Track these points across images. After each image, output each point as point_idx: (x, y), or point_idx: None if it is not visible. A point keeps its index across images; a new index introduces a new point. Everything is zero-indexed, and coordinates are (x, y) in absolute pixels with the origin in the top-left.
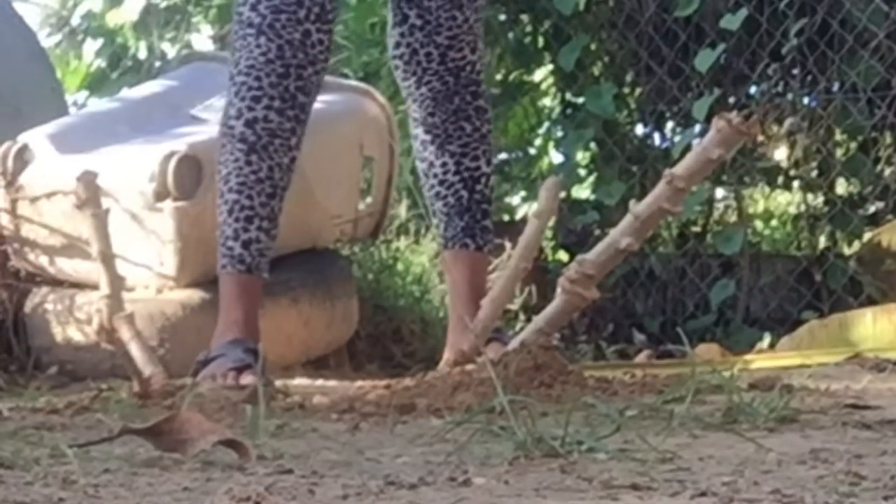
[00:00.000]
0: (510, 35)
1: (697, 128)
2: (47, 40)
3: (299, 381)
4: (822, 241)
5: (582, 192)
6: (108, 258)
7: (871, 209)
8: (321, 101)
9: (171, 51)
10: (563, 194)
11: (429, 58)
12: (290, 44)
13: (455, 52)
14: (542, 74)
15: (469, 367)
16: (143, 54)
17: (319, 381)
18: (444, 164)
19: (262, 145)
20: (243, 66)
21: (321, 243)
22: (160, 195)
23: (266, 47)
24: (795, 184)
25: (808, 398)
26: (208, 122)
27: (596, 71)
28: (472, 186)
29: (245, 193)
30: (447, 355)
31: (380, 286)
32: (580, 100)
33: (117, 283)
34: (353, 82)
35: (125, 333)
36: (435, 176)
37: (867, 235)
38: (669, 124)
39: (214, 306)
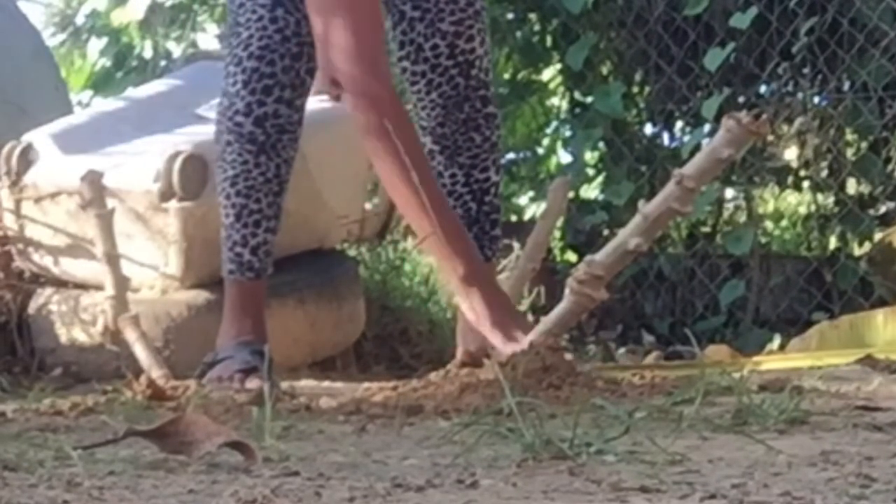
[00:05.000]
0: (518, 34)
1: (707, 127)
2: (52, 39)
3: (305, 383)
4: (833, 242)
5: (590, 192)
6: (112, 259)
7: (882, 209)
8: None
9: (176, 50)
10: (571, 194)
11: (435, 51)
12: (308, 18)
13: (464, 43)
14: (550, 73)
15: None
16: (148, 53)
17: (326, 383)
18: (452, 176)
19: (270, 144)
20: (255, 48)
21: (328, 244)
22: (165, 195)
23: (284, 21)
24: (805, 184)
25: (818, 400)
26: (214, 121)
27: (604, 70)
28: (482, 198)
29: (253, 197)
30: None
31: (387, 287)
32: (589, 99)
33: (122, 283)
34: None
35: (130, 334)
36: (443, 186)
37: (878, 236)
38: (679, 124)
39: (220, 307)
